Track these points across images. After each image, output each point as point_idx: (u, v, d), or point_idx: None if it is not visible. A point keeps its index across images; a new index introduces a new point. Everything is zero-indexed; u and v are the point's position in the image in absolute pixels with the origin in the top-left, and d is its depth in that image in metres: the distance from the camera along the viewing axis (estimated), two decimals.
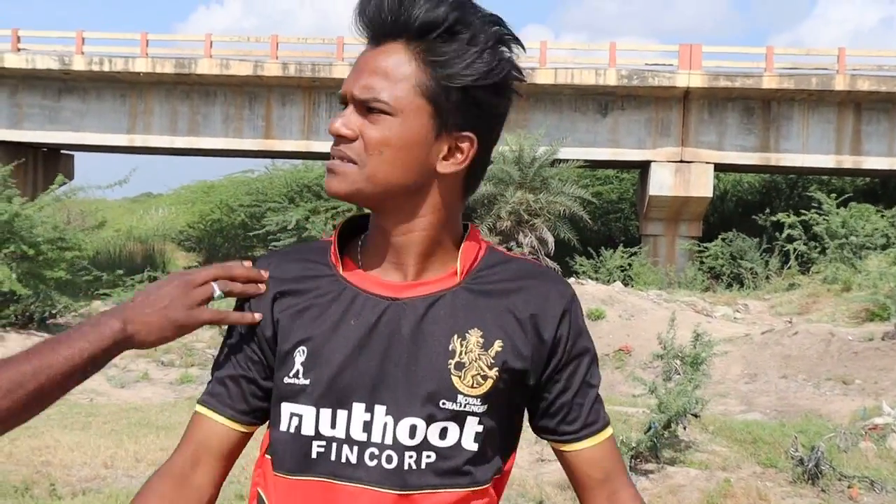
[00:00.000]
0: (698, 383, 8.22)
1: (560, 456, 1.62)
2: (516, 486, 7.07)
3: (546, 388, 1.56)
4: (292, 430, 1.51)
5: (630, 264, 23.36)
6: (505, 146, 23.23)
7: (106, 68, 24.72)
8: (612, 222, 31.14)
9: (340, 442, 1.49)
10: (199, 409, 1.59)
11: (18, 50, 25.21)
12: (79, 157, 29.50)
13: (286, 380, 1.52)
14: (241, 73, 24.59)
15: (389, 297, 1.52)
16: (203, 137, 25.52)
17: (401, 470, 1.48)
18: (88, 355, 1.49)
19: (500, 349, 1.51)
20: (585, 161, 23.79)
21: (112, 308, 1.57)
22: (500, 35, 1.48)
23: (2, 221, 14.28)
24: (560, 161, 22.60)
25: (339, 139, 1.49)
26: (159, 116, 25.90)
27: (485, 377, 1.49)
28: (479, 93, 1.47)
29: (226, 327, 1.60)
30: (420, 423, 1.48)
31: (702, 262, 24.28)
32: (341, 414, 1.50)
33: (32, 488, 6.88)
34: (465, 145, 1.50)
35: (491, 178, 23.39)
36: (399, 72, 1.46)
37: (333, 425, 1.50)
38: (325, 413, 1.50)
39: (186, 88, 25.54)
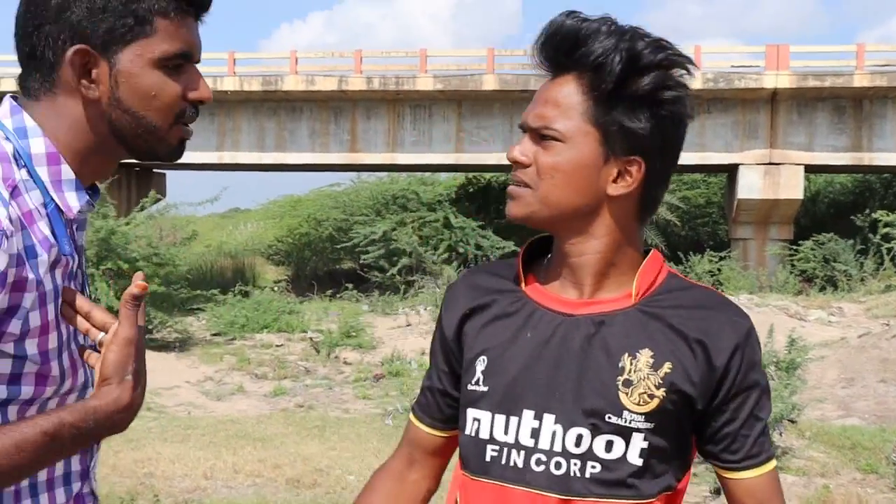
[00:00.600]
0: (794, 389, 8.11)
1: (720, 480, 1.67)
2: None
3: (713, 416, 1.60)
4: (473, 433, 1.65)
5: (720, 269, 23.04)
6: None
7: None
8: (700, 227, 30.73)
9: (510, 447, 1.60)
10: (410, 415, 1.83)
11: None
12: (170, 174, 30.16)
13: (469, 386, 1.66)
14: (326, 89, 24.91)
15: (565, 312, 1.63)
16: (290, 153, 25.90)
17: (567, 476, 1.57)
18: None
19: (668, 370, 1.57)
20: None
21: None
22: (668, 59, 1.57)
23: (99, 238, 14.64)
24: None
25: (516, 165, 1.61)
26: (247, 133, 26.36)
27: (651, 396, 1.56)
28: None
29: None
30: (586, 434, 1.57)
31: (793, 266, 23.83)
32: (513, 420, 1.60)
33: (137, 499, 7.06)
34: (633, 168, 1.58)
35: None
36: (569, 101, 1.57)
37: (506, 431, 1.61)
38: (500, 419, 1.61)
39: (273, 105, 25.95)
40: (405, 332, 18.24)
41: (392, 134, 25.44)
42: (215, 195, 20.09)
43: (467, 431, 1.66)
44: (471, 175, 29.33)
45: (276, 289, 22.32)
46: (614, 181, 1.58)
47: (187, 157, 26.10)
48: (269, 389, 11.97)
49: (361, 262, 25.30)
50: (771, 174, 24.17)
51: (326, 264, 32.00)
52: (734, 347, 1.57)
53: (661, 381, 1.56)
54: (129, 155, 1.58)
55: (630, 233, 1.63)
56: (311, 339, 14.99)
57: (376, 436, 9.03)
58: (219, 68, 25.61)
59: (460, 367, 1.71)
